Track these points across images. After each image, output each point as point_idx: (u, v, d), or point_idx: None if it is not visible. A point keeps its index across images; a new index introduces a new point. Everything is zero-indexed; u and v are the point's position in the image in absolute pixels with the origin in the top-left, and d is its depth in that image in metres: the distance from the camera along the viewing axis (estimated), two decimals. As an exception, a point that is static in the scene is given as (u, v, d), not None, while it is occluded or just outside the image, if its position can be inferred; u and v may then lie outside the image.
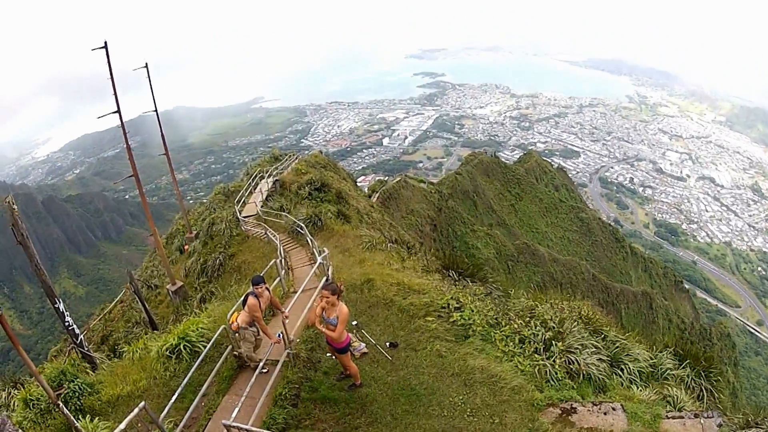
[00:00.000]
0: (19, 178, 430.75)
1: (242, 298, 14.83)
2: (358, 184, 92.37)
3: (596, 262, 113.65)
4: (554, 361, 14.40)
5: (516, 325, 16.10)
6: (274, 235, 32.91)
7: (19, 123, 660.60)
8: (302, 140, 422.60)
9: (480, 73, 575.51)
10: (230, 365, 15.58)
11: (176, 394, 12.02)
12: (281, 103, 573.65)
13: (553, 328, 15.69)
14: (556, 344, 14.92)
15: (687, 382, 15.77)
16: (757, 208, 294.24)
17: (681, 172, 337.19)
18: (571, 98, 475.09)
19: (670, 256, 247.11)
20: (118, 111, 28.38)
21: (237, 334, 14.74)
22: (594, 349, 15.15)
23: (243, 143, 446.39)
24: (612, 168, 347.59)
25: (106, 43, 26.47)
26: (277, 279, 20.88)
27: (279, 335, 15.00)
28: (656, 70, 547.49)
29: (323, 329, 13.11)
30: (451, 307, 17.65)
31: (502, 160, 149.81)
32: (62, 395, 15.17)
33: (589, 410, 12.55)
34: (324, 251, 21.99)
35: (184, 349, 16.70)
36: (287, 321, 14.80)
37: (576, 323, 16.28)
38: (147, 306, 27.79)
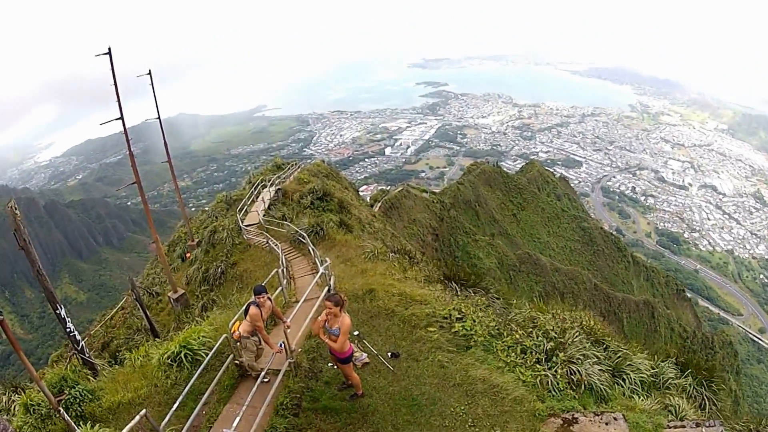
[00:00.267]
0: (21, 182, 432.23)
1: (244, 308, 14.84)
2: (361, 193, 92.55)
3: (598, 271, 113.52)
4: (556, 371, 14.37)
5: (518, 336, 16.09)
6: (276, 244, 32.87)
7: (22, 127, 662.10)
8: (305, 149, 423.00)
9: (482, 82, 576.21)
10: (232, 374, 15.56)
11: (177, 402, 12.00)
12: (284, 111, 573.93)
13: (555, 338, 15.69)
14: (557, 354, 14.90)
15: (689, 391, 15.81)
16: (760, 216, 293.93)
17: (683, 180, 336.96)
18: (573, 107, 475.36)
19: (672, 264, 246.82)
20: (122, 117, 28.46)
21: (239, 343, 14.75)
22: (595, 360, 15.16)
23: (245, 151, 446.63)
24: (614, 177, 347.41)
25: (110, 49, 26.55)
26: (279, 288, 20.85)
27: (281, 345, 14.94)
28: (658, 78, 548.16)
29: (326, 339, 13.13)
30: (452, 317, 17.62)
31: (505, 169, 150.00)
32: (63, 401, 15.13)
33: (590, 420, 12.53)
34: (326, 261, 21.99)
35: (186, 357, 16.68)
36: (289, 330, 14.81)
37: (578, 333, 16.28)
38: (148, 313, 27.77)
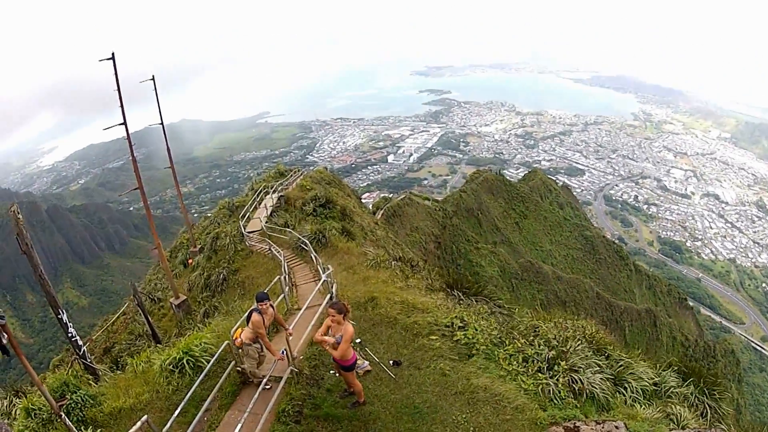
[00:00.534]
0: (23, 186, 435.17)
1: (246, 315, 14.87)
2: (363, 200, 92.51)
3: (600, 280, 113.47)
4: (558, 380, 14.34)
5: (520, 344, 16.08)
6: (279, 251, 32.83)
7: (25, 131, 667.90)
8: (307, 156, 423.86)
9: (485, 90, 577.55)
10: (233, 381, 15.54)
11: (179, 409, 12.02)
12: (286, 118, 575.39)
13: (557, 347, 15.67)
14: (559, 363, 14.87)
15: (691, 399, 15.79)
16: (762, 225, 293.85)
17: (685, 189, 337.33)
18: (576, 116, 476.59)
19: (675, 273, 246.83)
20: (125, 123, 28.47)
21: (241, 350, 14.75)
22: (597, 368, 15.13)
23: (248, 158, 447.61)
24: (617, 186, 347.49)
25: (113, 54, 26.59)
26: (282, 296, 20.84)
27: (283, 352, 14.94)
28: (661, 87, 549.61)
29: (328, 348, 13.11)
30: (455, 325, 17.61)
31: (507, 178, 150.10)
32: (64, 406, 15.13)
33: (592, 429, 12.51)
34: (328, 268, 22.01)
35: (187, 363, 16.64)
36: (291, 338, 14.83)
37: (579, 342, 16.26)
38: (150, 319, 27.76)
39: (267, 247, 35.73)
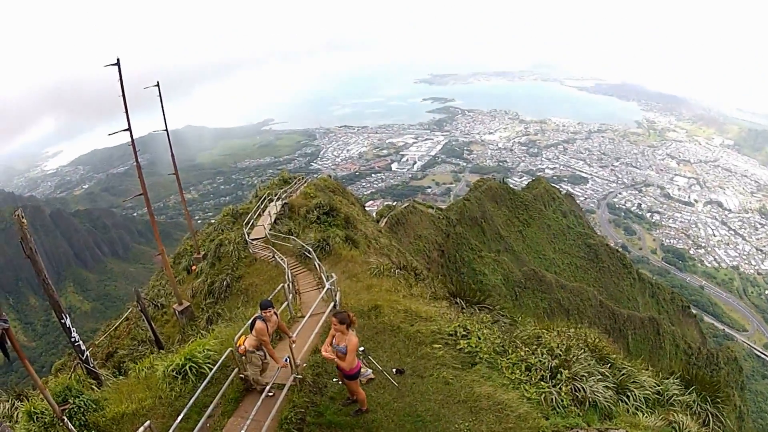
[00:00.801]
0: (27, 189, 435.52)
1: (250, 322, 14.88)
2: (367, 208, 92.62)
3: (603, 288, 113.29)
4: (560, 388, 14.37)
5: (522, 353, 16.11)
6: (282, 259, 32.79)
7: (29, 135, 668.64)
8: (311, 163, 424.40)
9: (489, 98, 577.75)
10: (236, 387, 15.58)
11: (182, 414, 12.09)
12: (291, 125, 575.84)
13: (560, 355, 15.71)
14: (562, 372, 14.91)
15: (693, 407, 15.82)
16: (765, 232, 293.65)
17: (689, 197, 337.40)
18: (579, 124, 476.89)
19: (678, 281, 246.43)
20: (129, 129, 28.48)
21: (244, 357, 14.77)
22: (600, 377, 15.17)
23: (252, 165, 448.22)
24: (620, 194, 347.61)
25: (118, 60, 26.60)
26: (285, 303, 20.87)
27: (286, 359, 14.97)
28: (664, 94, 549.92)
29: (337, 361, 13.15)
30: (458, 334, 17.63)
31: (511, 186, 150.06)
32: (67, 410, 15.14)
33: (594, 437, 12.54)
34: (332, 276, 22.04)
35: (190, 370, 16.71)
36: (294, 345, 14.85)
37: (582, 351, 16.31)
38: (153, 325, 27.79)
39: (271, 254, 35.79)
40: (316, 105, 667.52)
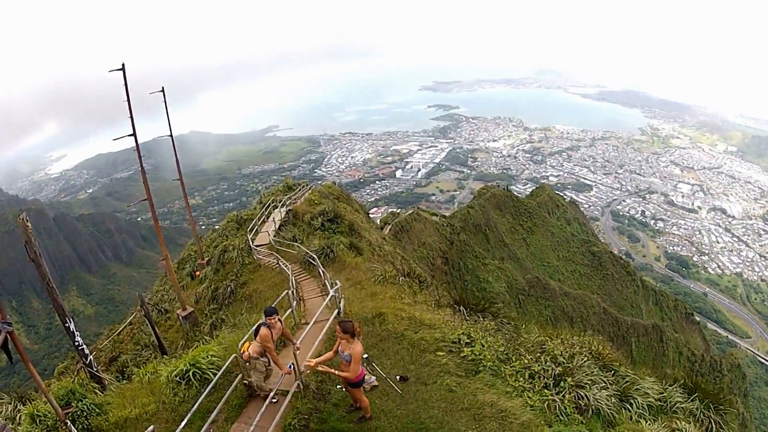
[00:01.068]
0: (31, 193, 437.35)
1: (254, 328, 14.91)
2: (371, 215, 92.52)
3: (607, 295, 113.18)
4: (564, 396, 14.40)
5: (526, 361, 16.14)
6: (286, 265, 32.84)
7: (34, 139, 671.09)
8: (315, 170, 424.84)
9: (493, 105, 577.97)
10: (240, 394, 15.60)
11: (185, 420, 12.09)
12: (295, 132, 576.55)
13: (563, 363, 15.73)
14: (565, 379, 14.93)
15: (696, 415, 15.84)
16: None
17: (692, 204, 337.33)
18: (583, 131, 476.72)
19: (682, 288, 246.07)
20: (134, 134, 28.55)
21: (248, 364, 14.79)
22: (603, 384, 15.19)
23: (256, 171, 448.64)
24: (624, 201, 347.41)
25: (123, 65, 26.70)
26: (289, 310, 20.89)
27: (290, 366, 15.01)
28: (668, 101, 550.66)
29: (339, 373, 13.21)
30: (461, 342, 17.67)
31: (515, 193, 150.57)
32: (70, 414, 15.24)
33: (597, 445, 12.54)
34: (336, 284, 22.05)
35: (194, 375, 16.72)
36: (298, 352, 14.87)
37: (586, 358, 16.33)
38: (157, 330, 27.81)
39: (275, 261, 35.80)
40: (320, 111, 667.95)
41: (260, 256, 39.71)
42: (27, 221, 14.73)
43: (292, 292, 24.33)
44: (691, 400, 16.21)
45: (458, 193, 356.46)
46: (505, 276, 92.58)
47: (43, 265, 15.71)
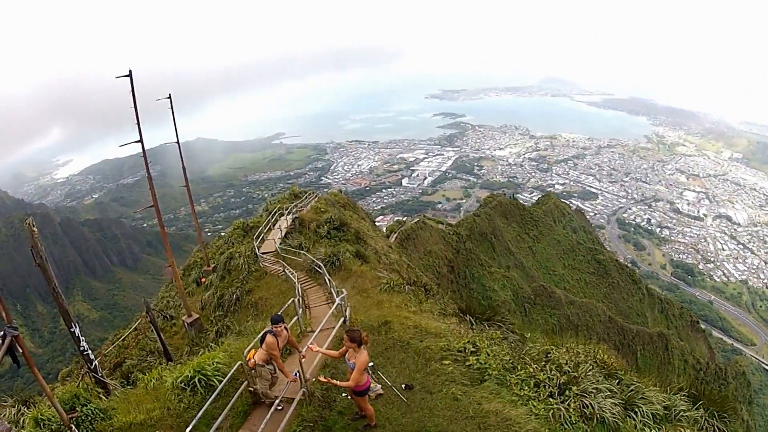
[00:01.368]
0: (37, 197, 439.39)
1: (260, 336, 14.95)
2: (377, 223, 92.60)
3: (613, 304, 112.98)
4: (569, 404, 14.38)
5: (531, 370, 16.11)
6: (292, 273, 32.87)
7: (39, 143, 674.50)
8: (322, 178, 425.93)
9: (499, 114, 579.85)
10: (245, 400, 15.65)
11: (190, 426, 12.11)
12: (302, 139, 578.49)
13: (568, 372, 15.71)
14: (570, 388, 14.91)
15: (701, 423, 15.78)
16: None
17: (698, 211, 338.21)
18: (589, 139, 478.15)
19: (687, 296, 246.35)
20: (141, 140, 28.61)
21: (254, 371, 14.83)
22: (608, 393, 15.16)
23: (263, 178, 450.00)
24: (630, 209, 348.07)
25: (130, 72, 26.74)
26: (295, 318, 20.91)
27: (296, 374, 15.03)
28: (673, 108, 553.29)
29: (342, 384, 13.24)
30: (467, 350, 17.64)
31: (521, 202, 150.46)
32: (74, 418, 15.27)
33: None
34: (342, 292, 22.08)
35: (199, 382, 16.77)
36: (304, 360, 14.90)
37: (591, 367, 16.30)
38: (162, 336, 27.83)
39: (281, 268, 35.73)
40: (327, 119, 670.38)
41: (266, 264, 39.67)
42: (33, 226, 14.78)
43: (298, 300, 24.36)
44: (696, 409, 16.17)
45: (464, 201, 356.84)
46: (511, 284, 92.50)
47: (49, 269, 15.75)
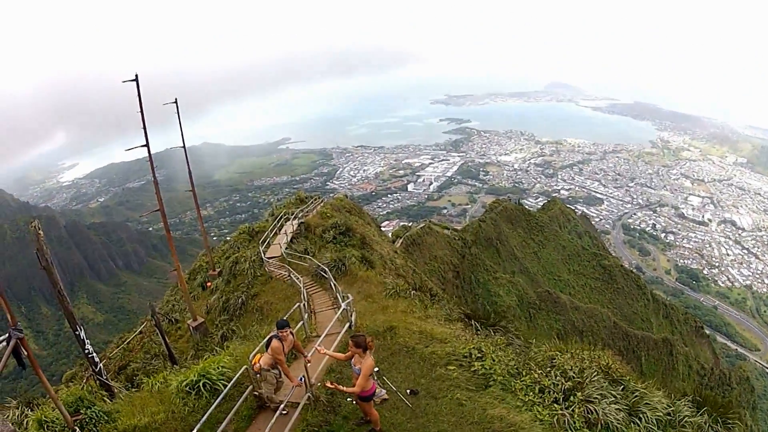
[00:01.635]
0: (42, 200, 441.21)
1: (266, 340, 15.00)
2: (383, 229, 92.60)
3: (618, 309, 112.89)
4: (573, 410, 14.42)
5: (536, 375, 16.15)
6: (298, 278, 32.91)
7: (45, 146, 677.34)
8: (327, 183, 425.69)
9: (505, 119, 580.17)
10: (250, 405, 15.66)
11: (195, 430, 12.20)
12: (307, 144, 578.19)
13: (573, 377, 15.73)
14: (575, 394, 14.95)
15: (704, 429, 15.77)
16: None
17: (703, 216, 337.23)
18: (594, 144, 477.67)
19: (692, 301, 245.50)
20: (147, 145, 28.67)
21: (259, 375, 14.86)
22: (613, 399, 15.18)
23: (268, 183, 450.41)
24: (635, 214, 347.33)
25: (137, 76, 26.82)
26: (301, 322, 20.93)
27: (301, 378, 15.05)
28: (678, 113, 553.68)
29: (347, 389, 13.25)
30: (472, 356, 17.70)
31: (526, 207, 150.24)
32: (78, 421, 15.29)
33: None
34: (348, 297, 22.11)
35: (204, 386, 16.78)
36: (309, 365, 14.91)
37: (596, 373, 16.30)
38: (167, 340, 27.87)
39: (286, 273, 35.82)
40: (332, 124, 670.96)
41: (272, 268, 39.63)
42: (39, 229, 14.85)
43: (304, 304, 24.37)
44: (700, 414, 16.16)
45: (470, 206, 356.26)
46: (516, 290, 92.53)
47: (54, 272, 15.82)
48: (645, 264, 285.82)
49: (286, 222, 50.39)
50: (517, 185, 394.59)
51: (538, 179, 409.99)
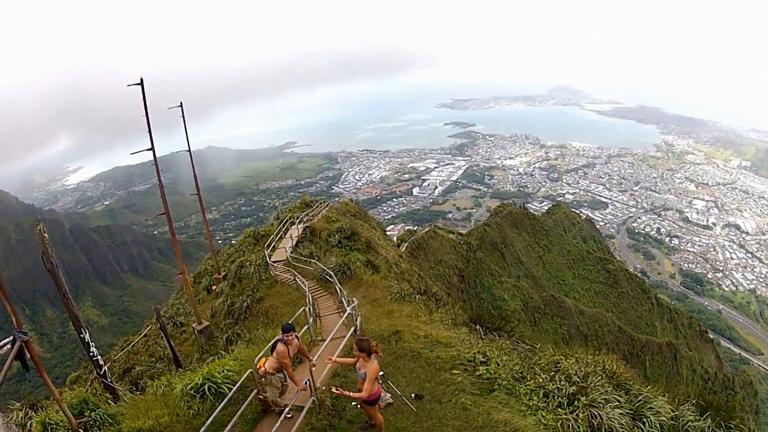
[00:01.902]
0: (47, 203, 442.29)
1: (271, 344, 14.97)
2: (388, 233, 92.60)
3: (622, 313, 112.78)
4: (577, 415, 14.41)
5: (541, 379, 16.15)
6: (303, 282, 32.98)
7: (50, 150, 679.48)
8: (333, 187, 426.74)
9: (510, 123, 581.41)
10: (255, 408, 15.67)
11: (199, 432, 12.15)
12: (313, 148, 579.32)
13: (577, 382, 15.72)
14: (579, 398, 14.94)
15: (708, 433, 15.74)
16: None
17: (707, 220, 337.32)
18: (599, 148, 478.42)
19: (696, 305, 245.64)
20: (152, 149, 28.72)
21: (263, 379, 14.86)
22: (617, 403, 15.17)
23: (274, 187, 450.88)
24: (639, 218, 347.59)
25: (142, 80, 26.83)
26: (306, 326, 20.96)
27: (306, 382, 15.06)
28: (682, 117, 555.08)
29: (348, 393, 13.26)
30: (477, 360, 17.68)
31: (531, 211, 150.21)
32: (83, 423, 15.32)
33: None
34: (353, 301, 22.12)
35: (209, 389, 16.80)
36: (314, 369, 14.95)
37: (600, 377, 16.29)
38: (172, 343, 27.89)
39: (292, 277, 35.88)
40: (338, 129, 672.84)
41: (277, 272, 39.72)
42: (44, 232, 14.89)
43: (309, 308, 24.41)
44: (704, 419, 16.16)
45: (475, 210, 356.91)
46: (521, 294, 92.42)
47: (59, 275, 15.87)
48: (649, 268, 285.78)
49: (291, 226, 50.45)
50: (522, 189, 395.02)
51: (543, 183, 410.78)
